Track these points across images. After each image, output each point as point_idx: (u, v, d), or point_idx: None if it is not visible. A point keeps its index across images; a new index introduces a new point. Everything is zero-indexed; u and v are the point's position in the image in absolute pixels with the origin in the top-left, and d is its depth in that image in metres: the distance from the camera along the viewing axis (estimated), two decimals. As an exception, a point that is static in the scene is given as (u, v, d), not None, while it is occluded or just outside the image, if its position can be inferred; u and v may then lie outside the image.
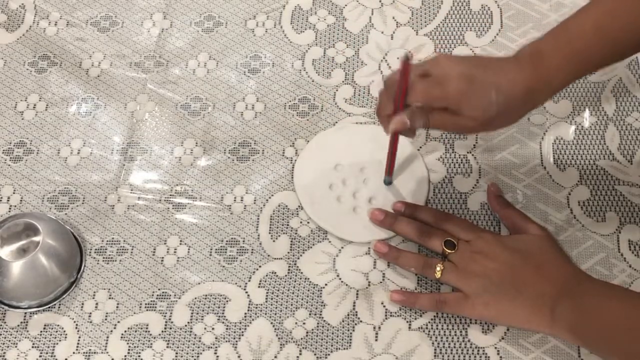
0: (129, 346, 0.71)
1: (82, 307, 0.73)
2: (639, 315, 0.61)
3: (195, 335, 0.71)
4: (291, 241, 0.75)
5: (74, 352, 0.71)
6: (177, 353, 0.70)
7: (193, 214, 0.77)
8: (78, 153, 0.81)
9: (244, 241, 0.76)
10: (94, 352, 0.70)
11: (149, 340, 0.71)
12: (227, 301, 0.73)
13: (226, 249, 0.75)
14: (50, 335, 0.71)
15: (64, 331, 0.72)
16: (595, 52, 0.65)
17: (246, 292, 0.73)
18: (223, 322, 0.72)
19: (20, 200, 0.78)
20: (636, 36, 0.66)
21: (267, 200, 0.78)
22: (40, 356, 0.70)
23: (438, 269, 0.70)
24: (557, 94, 0.82)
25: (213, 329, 0.71)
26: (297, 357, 0.70)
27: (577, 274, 0.68)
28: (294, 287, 0.73)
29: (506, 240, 0.71)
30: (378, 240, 0.74)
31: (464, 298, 0.69)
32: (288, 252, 0.75)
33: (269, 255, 0.75)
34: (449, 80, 0.64)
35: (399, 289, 0.72)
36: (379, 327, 0.71)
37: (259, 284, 0.73)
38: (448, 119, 0.65)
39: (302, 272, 0.74)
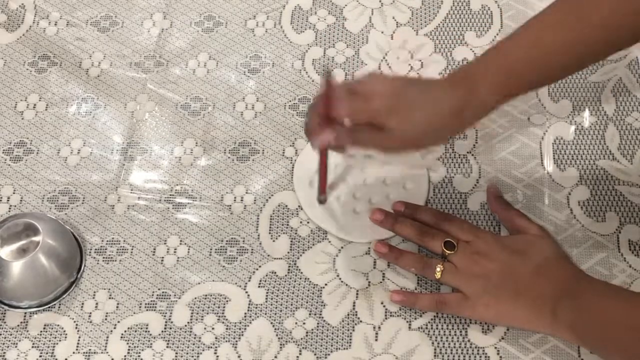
0: (129, 346, 0.71)
1: (82, 307, 0.73)
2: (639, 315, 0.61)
3: (195, 335, 0.71)
4: (291, 241, 0.75)
5: (74, 352, 0.71)
6: (177, 353, 0.70)
7: (193, 214, 0.77)
8: (78, 153, 0.81)
9: (244, 241, 0.76)
10: (94, 352, 0.70)
11: (149, 340, 0.71)
12: (227, 301, 0.73)
13: (226, 249, 0.75)
14: (50, 335, 0.71)
15: (64, 331, 0.72)
16: (524, 76, 0.66)
17: (246, 292, 0.73)
18: (223, 322, 0.72)
19: (20, 200, 0.78)
20: (563, 60, 0.66)
21: (267, 200, 0.78)
22: (40, 356, 0.70)
23: (438, 269, 0.70)
24: (557, 94, 0.82)
25: (213, 329, 0.71)
26: (297, 357, 0.70)
27: (577, 274, 0.68)
28: (294, 287, 0.73)
29: (506, 240, 0.71)
30: (378, 240, 0.74)
31: (464, 299, 0.69)
32: (288, 252, 0.75)
33: (269, 255, 0.75)
34: (375, 97, 0.64)
35: (399, 289, 0.72)
36: (379, 327, 0.71)
37: (259, 284, 0.73)
38: (373, 136, 0.65)
39: (302, 272, 0.74)
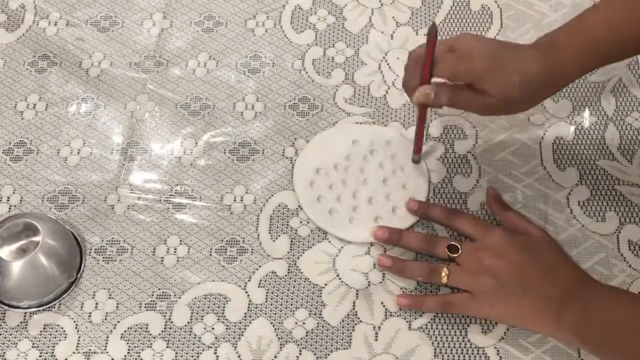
0: (129, 346, 0.71)
1: (82, 307, 0.73)
2: None
3: (195, 335, 0.71)
4: (291, 241, 0.75)
5: (73, 352, 0.71)
6: (177, 353, 0.70)
7: (193, 214, 0.77)
8: (78, 153, 0.81)
9: (244, 241, 0.76)
10: (94, 352, 0.70)
11: (149, 340, 0.71)
12: (227, 301, 0.73)
13: (226, 249, 0.75)
14: (50, 335, 0.71)
15: (64, 331, 0.72)
16: (607, 45, 0.67)
17: (246, 292, 0.73)
18: (223, 322, 0.72)
19: (20, 200, 0.78)
20: None
21: (267, 200, 0.78)
22: (40, 356, 0.70)
23: (443, 274, 0.69)
24: (557, 94, 0.82)
25: (213, 328, 0.71)
26: (297, 357, 0.70)
27: (582, 277, 0.68)
28: (294, 287, 0.73)
29: (516, 238, 0.71)
30: (381, 254, 0.74)
31: (470, 298, 0.69)
32: (288, 252, 0.75)
33: (269, 255, 0.75)
34: (475, 57, 0.66)
35: (404, 293, 0.72)
36: (379, 327, 0.71)
37: (259, 283, 0.73)
38: (471, 95, 0.67)
39: (302, 272, 0.74)
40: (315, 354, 0.70)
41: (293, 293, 0.73)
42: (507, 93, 0.66)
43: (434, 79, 0.68)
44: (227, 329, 0.71)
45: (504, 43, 0.70)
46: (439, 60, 0.67)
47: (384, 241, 0.74)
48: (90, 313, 0.72)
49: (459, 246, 0.70)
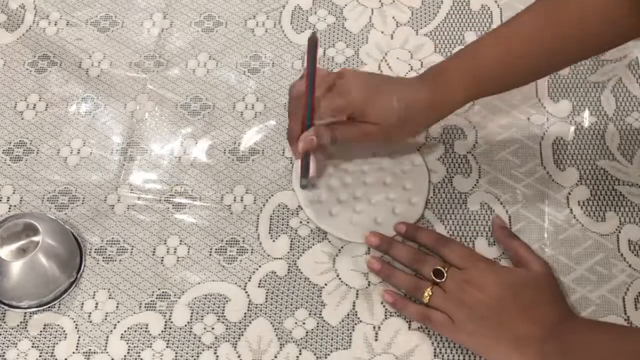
0: (129, 346, 0.71)
1: (82, 307, 0.73)
2: (626, 350, 0.61)
3: (195, 335, 0.71)
4: (291, 241, 0.75)
5: (73, 352, 0.71)
6: (177, 353, 0.70)
7: (193, 214, 0.77)
8: (78, 153, 0.81)
9: (244, 241, 0.76)
10: (94, 352, 0.70)
11: (149, 340, 0.71)
12: (227, 301, 0.73)
13: (226, 249, 0.75)
14: (50, 335, 0.71)
15: (64, 331, 0.72)
16: (495, 76, 0.70)
17: (246, 292, 0.73)
18: (223, 322, 0.72)
19: (20, 200, 0.78)
20: (532, 63, 0.70)
21: (267, 200, 0.78)
22: (40, 356, 0.70)
23: (426, 294, 0.69)
24: (557, 94, 0.82)
25: (213, 328, 0.71)
26: (297, 357, 0.70)
27: (565, 317, 0.68)
28: (294, 287, 0.73)
29: (500, 272, 0.70)
30: (372, 256, 0.74)
31: (449, 322, 0.68)
32: (288, 252, 0.75)
33: (268, 255, 0.75)
34: (352, 90, 0.70)
35: (392, 290, 0.72)
36: (379, 327, 0.71)
37: (259, 283, 0.73)
38: (352, 127, 0.71)
39: (302, 272, 0.74)
40: (315, 354, 0.70)
41: (293, 293, 0.73)
42: (385, 119, 0.70)
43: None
44: (227, 329, 0.71)
45: (384, 75, 0.75)
46: (317, 103, 0.69)
47: (374, 247, 0.74)
48: (90, 313, 0.72)
49: (445, 272, 0.69)
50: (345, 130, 0.71)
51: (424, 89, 0.70)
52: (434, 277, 0.69)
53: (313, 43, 0.68)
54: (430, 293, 0.69)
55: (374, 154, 0.79)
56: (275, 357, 0.70)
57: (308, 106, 0.69)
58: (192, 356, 0.70)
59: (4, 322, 0.72)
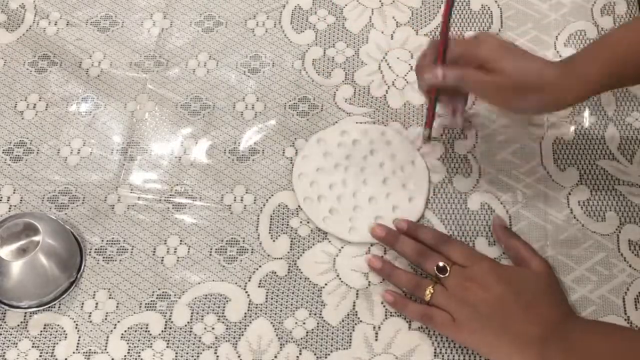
0: (129, 346, 0.71)
1: (82, 307, 0.73)
2: (626, 350, 0.61)
3: (195, 335, 0.71)
4: (291, 241, 0.75)
5: (74, 352, 0.71)
6: (177, 353, 0.70)
7: (193, 214, 0.77)
8: (78, 153, 0.81)
9: (244, 241, 0.76)
10: (94, 352, 0.70)
11: (149, 340, 0.71)
12: (227, 301, 0.73)
13: (226, 249, 0.75)
14: (50, 335, 0.71)
15: (64, 331, 0.72)
16: (628, 67, 0.67)
17: (246, 292, 0.73)
18: (223, 322, 0.72)
19: (20, 200, 0.78)
20: None
21: (267, 200, 0.78)
22: (40, 356, 0.70)
23: (427, 292, 0.69)
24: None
25: (213, 328, 0.71)
26: (297, 357, 0.70)
27: (566, 315, 0.68)
28: (294, 287, 0.73)
29: (503, 271, 0.70)
30: (373, 254, 0.74)
31: (450, 321, 0.68)
32: (288, 252, 0.75)
33: (269, 255, 0.75)
34: (489, 43, 0.68)
35: (392, 291, 0.72)
36: (379, 327, 0.71)
37: (259, 283, 0.73)
38: (482, 75, 0.67)
39: (302, 272, 0.74)
40: (315, 354, 0.70)
41: (293, 293, 0.73)
42: (521, 77, 0.66)
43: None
44: (227, 329, 0.71)
45: (519, 47, 0.70)
46: (453, 42, 0.69)
47: (380, 239, 0.74)
48: (90, 313, 0.72)
49: (448, 268, 0.69)
50: (475, 75, 0.67)
51: (560, 68, 0.67)
52: (437, 272, 0.69)
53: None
54: (432, 291, 0.69)
55: (373, 152, 0.79)
56: (275, 357, 0.70)
57: (445, 44, 0.68)
58: (192, 356, 0.70)
59: (4, 322, 0.72)
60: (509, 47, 0.69)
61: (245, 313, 0.72)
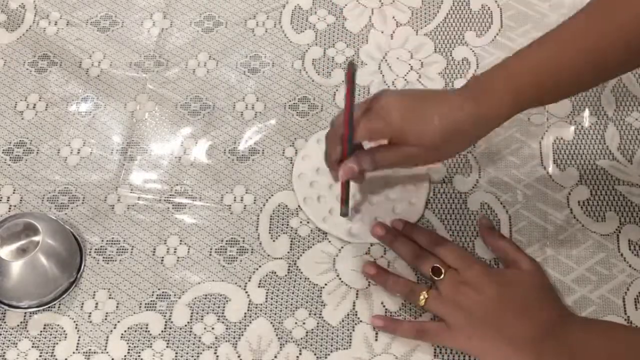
0: (129, 346, 0.71)
1: (82, 307, 0.73)
2: (623, 348, 0.61)
3: (195, 335, 0.71)
4: (291, 241, 0.75)
5: (73, 352, 0.71)
6: (177, 353, 0.70)
7: (193, 214, 0.77)
8: (78, 153, 0.81)
9: (244, 241, 0.76)
10: (94, 352, 0.70)
11: (149, 340, 0.71)
12: (227, 301, 0.73)
13: (226, 249, 0.75)
14: (50, 335, 0.71)
15: (64, 331, 0.72)
16: (533, 91, 0.65)
17: (246, 292, 0.73)
18: (223, 322, 0.72)
19: (20, 200, 0.78)
20: (573, 80, 0.65)
21: (267, 200, 0.78)
22: (40, 356, 0.70)
23: (422, 297, 0.69)
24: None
25: (213, 328, 0.71)
26: (297, 357, 0.70)
27: (561, 314, 0.68)
28: (294, 287, 0.73)
29: (495, 274, 0.70)
30: (367, 261, 0.73)
31: (446, 328, 0.68)
32: (288, 252, 0.75)
33: (269, 255, 0.75)
34: (391, 112, 0.65)
35: (380, 315, 0.71)
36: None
37: (259, 283, 0.73)
38: (394, 152, 0.67)
39: (302, 272, 0.74)
40: (315, 354, 0.70)
41: (293, 293, 0.73)
42: (427, 140, 0.65)
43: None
44: (227, 329, 0.71)
45: (424, 91, 0.70)
46: (355, 126, 0.66)
47: (379, 238, 0.74)
48: (90, 313, 0.72)
49: (443, 270, 0.69)
50: (386, 154, 0.68)
51: (467, 104, 0.65)
52: (431, 274, 0.69)
53: (353, 71, 0.64)
54: (426, 296, 0.69)
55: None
56: (275, 357, 0.70)
57: (350, 133, 0.66)
58: (192, 356, 0.70)
59: (4, 322, 0.72)
60: (408, 106, 0.66)
61: (245, 313, 0.72)
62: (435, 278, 0.69)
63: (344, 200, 0.73)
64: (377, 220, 0.75)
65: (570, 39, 0.64)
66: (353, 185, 0.75)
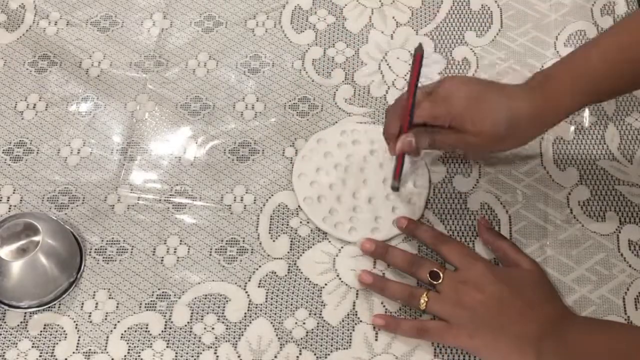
0: (129, 346, 0.71)
1: (82, 307, 0.73)
2: (623, 347, 0.61)
3: (195, 335, 0.71)
4: (291, 241, 0.75)
5: (74, 352, 0.71)
6: (177, 353, 0.70)
7: (193, 214, 0.77)
8: (78, 153, 0.81)
9: (244, 241, 0.76)
10: (94, 352, 0.70)
11: (149, 340, 0.71)
12: (227, 301, 0.73)
13: (226, 249, 0.75)
14: (50, 335, 0.71)
15: (64, 331, 0.72)
16: (602, 81, 0.66)
17: (246, 292, 0.73)
18: (223, 322, 0.72)
19: (20, 200, 0.78)
20: (629, 78, 0.67)
21: (267, 200, 0.78)
22: (40, 356, 0.70)
23: (422, 300, 0.69)
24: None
25: (213, 328, 0.71)
26: (297, 357, 0.70)
27: (562, 313, 0.68)
28: (294, 287, 0.73)
29: (498, 272, 0.70)
30: (363, 270, 0.73)
31: (447, 327, 0.68)
32: (288, 252, 0.75)
33: (269, 255, 0.75)
34: (454, 98, 0.66)
35: (381, 314, 0.71)
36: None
37: (259, 283, 0.73)
38: (453, 136, 0.68)
39: (302, 272, 0.74)
40: (315, 354, 0.70)
41: (293, 293, 0.73)
42: (490, 129, 0.66)
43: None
44: (227, 329, 0.71)
45: (490, 82, 0.70)
46: (418, 105, 0.67)
47: (369, 253, 0.73)
48: (90, 313, 0.72)
49: (441, 274, 0.69)
50: (446, 137, 0.69)
51: (531, 97, 0.66)
52: (430, 279, 0.69)
53: (422, 53, 0.64)
54: (427, 299, 0.69)
55: (373, 152, 0.79)
56: (275, 357, 0.70)
57: (412, 108, 0.67)
58: (192, 356, 0.70)
59: (4, 322, 0.72)
60: (473, 95, 0.67)
61: (245, 313, 0.72)
62: (434, 282, 0.69)
63: (398, 174, 0.74)
64: (376, 221, 0.75)
65: (635, 27, 0.66)
66: (352, 186, 0.75)
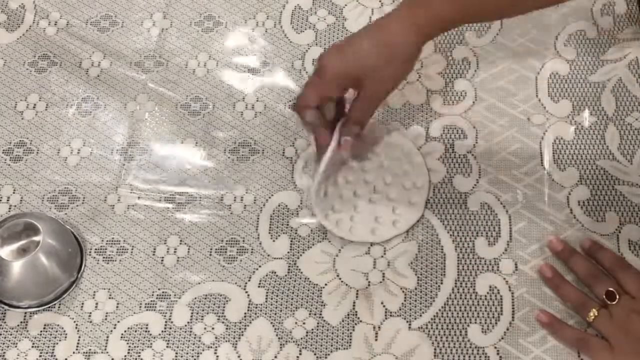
0: (129, 346, 0.71)
1: (82, 307, 0.73)
2: None
3: (195, 335, 0.71)
4: (291, 241, 0.76)
5: (74, 352, 0.71)
6: (177, 353, 0.70)
7: (193, 214, 0.77)
8: (78, 153, 0.81)
9: (244, 241, 0.76)
10: (94, 352, 0.71)
11: (149, 340, 0.71)
12: (227, 301, 0.73)
13: (226, 249, 0.75)
14: (50, 335, 0.71)
15: (64, 331, 0.72)
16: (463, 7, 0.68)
17: (246, 292, 0.73)
18: (223, 322, 0.72)
19: (20, 200, 0.78)
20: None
21: (267, 200, 0.78)
22: (40, 356, 0.70)
23: (592, 314, 0.68)
24: (557, 94, 0.82)
25: (213, 328, 0.71)
26: (297, 357, 0.70)
27: None
28: (294, 287, 0.73)
29: None
30: (544, 263, 0.72)
31: (609, 348, 0.66)
32: (288, 252, 0.75)
33: (269, 255, 0.75)
34: (331, 67, 0.69)
35: (547, 312, 0.70)
36: (379, 327, 0.71)
37: (259, 283, 0.74)
38: (360, 100, 0.71)
39: (302, 272, 0.74)
40: (315, 354, 0.70)
41: (293, 293, 0.73)
42: (369, 68, 0.68)
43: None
44: (227, 329, 0.71)
45: (355, 33, 0.71)
46: (304, 91, 0.71)
47: (555, 252, 0.73)
48: (90, 313, 0.72)
49: (618, 296, 0.68)
50: (356, 106, 0.71)
51: (402, 15, 0.69)
52: (605, 298, 0.68)
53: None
54: (596, 314, 0.68)
55: (374, 152, 0.79)
56: (275, 357, 0.70)
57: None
58: (192, 356, 0.70)
59: (4, 322, 0.72)
60: (342, 51, 0.69)
61: (245, 313, 0.72)
62: (608, 302, 0.68)
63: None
64: (376, 221, 0.75)
65: None
66: (355, 183, 0.75)
